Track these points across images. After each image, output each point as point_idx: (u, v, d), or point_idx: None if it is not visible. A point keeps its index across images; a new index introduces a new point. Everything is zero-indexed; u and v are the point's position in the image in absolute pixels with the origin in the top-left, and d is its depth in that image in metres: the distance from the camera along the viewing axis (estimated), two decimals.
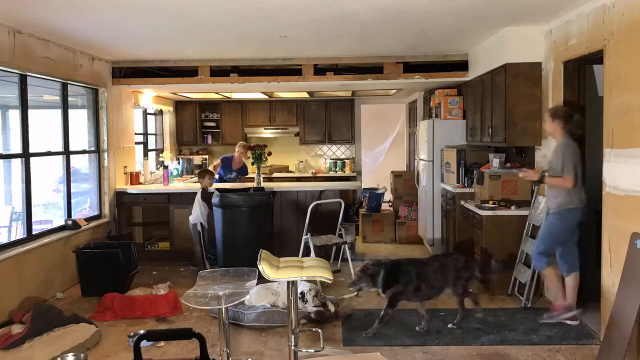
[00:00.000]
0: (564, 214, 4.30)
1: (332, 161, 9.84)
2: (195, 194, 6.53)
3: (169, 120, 9.40)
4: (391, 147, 10.35)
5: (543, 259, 4.39)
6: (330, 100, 9.52)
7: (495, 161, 5.72)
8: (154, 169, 8.31)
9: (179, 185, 7.40)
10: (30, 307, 4.56)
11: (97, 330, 4.15)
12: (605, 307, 3.80)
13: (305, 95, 9.11)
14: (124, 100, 6.96)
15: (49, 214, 6.00)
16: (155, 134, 9.07)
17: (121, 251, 5.31)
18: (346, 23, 4.74)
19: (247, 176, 7.57)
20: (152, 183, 7.44)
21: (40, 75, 5.16)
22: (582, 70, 4.57)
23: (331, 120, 9.59)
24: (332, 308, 4.47)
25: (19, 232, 5.25)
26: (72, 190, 5.86)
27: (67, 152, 5.75)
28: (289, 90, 8.24)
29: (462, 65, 6.48)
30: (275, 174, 9.21)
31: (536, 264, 4.50)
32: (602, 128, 3.89)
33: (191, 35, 5.23)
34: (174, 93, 8.40)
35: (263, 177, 6.97)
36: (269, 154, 7.02)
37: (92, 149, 6.37)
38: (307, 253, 5.66)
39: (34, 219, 5.15)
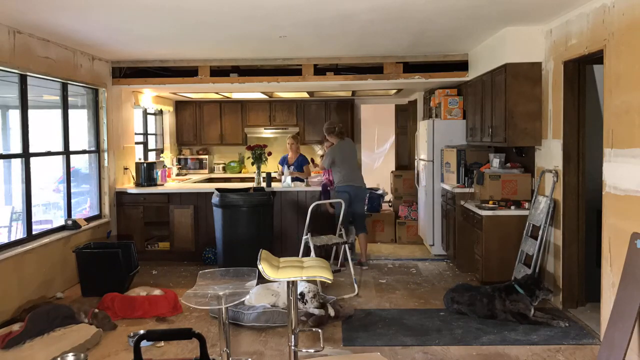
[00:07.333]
0: (337, 190, 6.39)
1: None
2: (194, 194, 6.56)
3: (169, 120, 9.40)
4: (392, 148, 10.35)
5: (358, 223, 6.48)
6: (330, 100, 9.52)
7: (495, 161, 5.73)
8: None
9: (178, 185, 7.40)
10: (35, 306, 4.58)
11: (97, 331, 4.14)
12: (605, 307, 3.80)
13: (305, 95, 9.11)
14: (124, 100, 6.96)
15: (49, 214, 6.00)
16: (155, 134, 9.08)
17: (121, 251, 5.31)
18: (346, 23, 4.74)
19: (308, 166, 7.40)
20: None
21: (40, 75, 5.16)
22: (582, 70, 4.57)
23: (331, 120, 9.57)
24: (332, 312, 4.46)
25: (19, 232, 5.25)
26: (72, 190, 5.86)
27: (67, 152, 5.75)
28: (289, 90, 8.24)
29: (462, 65, 6.48)
30: (275, 174, 9.19)
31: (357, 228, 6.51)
32: (602, 128, 3.89)
33: (191, 36, 5.23)
34: (174, 93, 8.41)
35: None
36: (269, 154, 7.02)
37: (92, 149, 6.37)
38: (307, 253, 5.66)
39: (34, 219, 5.15)
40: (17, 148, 4.99)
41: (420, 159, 7.44)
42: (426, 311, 4.75)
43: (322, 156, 7.25)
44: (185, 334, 2.59)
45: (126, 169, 6.93)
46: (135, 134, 7.47)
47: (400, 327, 4.35)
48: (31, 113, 5.02)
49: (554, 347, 3.91)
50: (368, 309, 4.84)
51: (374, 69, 6.59)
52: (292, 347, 3.23)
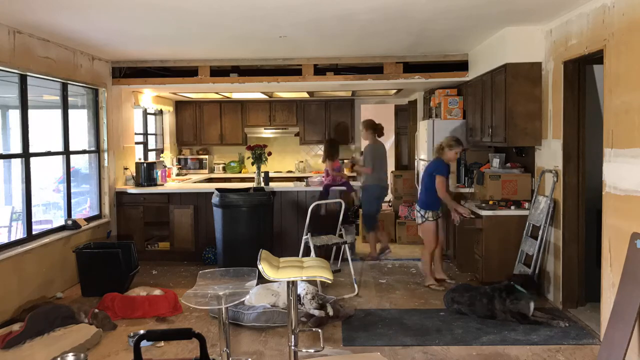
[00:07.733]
0: (366, 189, 6.71)
1: None
2: (194, 194, 6.55)
3: (169, 120, 9.40)
4: (392, 148, 10.34)
5: (371, 221, 6.64)
6: (330, 100, 9.52)
7: (495, 161, 5.73)
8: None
9: (178, 185, 7.40)
10: (35, 306, 4.58)
11: (97, 331, 4.14)
12: (605, 307, 3.80)
13: (305, 95, 9.11)
14: (124, 100, 6.96)
15: (49, 214, 6.00)
16: (155, 134, 9.08)
17: (121, 251, 5.31)
18: (346, 23, 4.74)
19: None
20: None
21: (40, 75, 5.16)
22: (582, 70, 4.57)
23: (331, 120, 9.59)
24: (330, 312, 4.46)
25: (19, 232, 5.25)
26: (72, 190, 5.86)
27: (67, 152, 5.75)
28: (289, 90, 8.24)
29: (462, 65, 6.48)
30: (274, 174, 9.20)
31: (368, 226, 6.72)
32: (602, 128, 3.89)
33: (191, 35, 5.23)
34: (174, 93, 8.41)
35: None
36: (269, 154, 7.02)
37: (92, 149, 6.37)
38: (307, 253, 5.66)
39: (34, 219, 5.15)
40: (17, 148, 4.99)
41: (420, 159, 7.44)
42: (426, 311, 4.75)
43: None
44: (185, 334, 2.59)
45: (126, 168, 6.92)
46: (135, 134, 7.47)
47: (400, 327, 4.35)
48: (31, 113, 5.02)
49: (554, 347, 3.91)
50: (368, 309, 4.84)
51: (374, 69, 6.59)
52: (292, 347, 3.23)
